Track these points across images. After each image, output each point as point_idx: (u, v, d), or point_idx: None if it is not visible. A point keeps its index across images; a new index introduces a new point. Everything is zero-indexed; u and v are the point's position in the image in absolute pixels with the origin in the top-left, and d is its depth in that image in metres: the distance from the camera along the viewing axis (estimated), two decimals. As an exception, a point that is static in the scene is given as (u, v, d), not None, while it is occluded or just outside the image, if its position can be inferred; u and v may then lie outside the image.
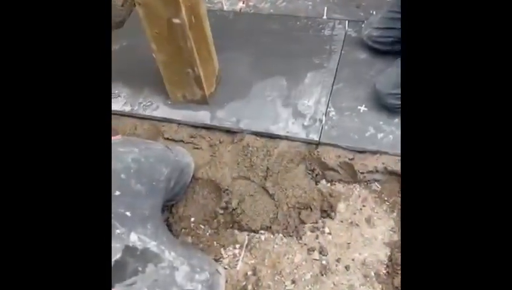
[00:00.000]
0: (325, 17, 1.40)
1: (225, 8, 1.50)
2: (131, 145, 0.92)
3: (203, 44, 1.11)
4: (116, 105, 1.26)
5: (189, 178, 1.05)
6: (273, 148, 1.13)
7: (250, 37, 1.39)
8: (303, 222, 1.02)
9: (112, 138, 0.94)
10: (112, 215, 0.76)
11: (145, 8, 0.99)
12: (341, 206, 1.04)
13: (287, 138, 1.14)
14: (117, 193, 0.81)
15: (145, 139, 1.19)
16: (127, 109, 1.25)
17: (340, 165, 1.08)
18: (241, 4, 1.50)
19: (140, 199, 0.84)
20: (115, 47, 1.42)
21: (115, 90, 1.30)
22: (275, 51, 1.34)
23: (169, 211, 1.07)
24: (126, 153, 0.89)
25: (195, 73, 1.13)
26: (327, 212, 1.03)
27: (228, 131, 1.18)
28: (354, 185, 1.07)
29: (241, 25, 1.43)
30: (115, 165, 0.85)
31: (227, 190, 1.06)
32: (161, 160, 0.94)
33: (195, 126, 1.20)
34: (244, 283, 0.95)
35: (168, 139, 1.18)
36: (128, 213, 0.78)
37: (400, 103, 1.07)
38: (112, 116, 1.26)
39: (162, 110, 1.23)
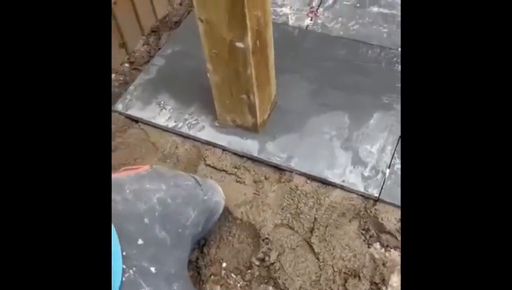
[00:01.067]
0: (400, 49, 1.26)
1: (290, 22, 1.38)
2: (159, 181, 0.84)
3: (263, 69, 1.00)
4: (160, 118, 1.17)
5: (217, 217, 0.96)
6: (325, 197, 1.01)
7: (313, 60, 1.27)
8: (348, 292, 0.90)
9: (140, 168, 0.85)
10: (135, 269, 0.68)
11: (207, 25, 0.89)
12: (394, 280, 0.91)
13: (342, 188, 1.02)
14: (140, 241, 0.73)
15: (185, 161, 1.11)
16: (171, 124, 1.16)
17: (400, 230, 0.95)
18: (308, 21, 1.38)
19: (164, 251, 0.75)
20: (167, 51, 1.34)
21: (161, 100, 1.21)
22: (339, 80, 1.21)
23: (200, 250, 0.97)
24: (152, 191, 0.80)
25: (250, 100, 1.02)
26: (378, 285, 0.90)
27: (276, 167, 1.07)
28: (412, 256, 0.94)
29: (306, 44, 1.31)
30: (139, 206, 0.76)
31: (267, 238, 0.96)
32: (189, 201, 0.85)
33: (241, 155, 1.10)
34: None
35: (209, 166, 1.09)
36: (152, 269, 0.69)
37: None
38: (154, 129, 1.17)
39: (207, 132, 1.14)
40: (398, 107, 1.14)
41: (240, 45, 0.89)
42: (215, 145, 1.12)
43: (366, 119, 1.12)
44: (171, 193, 0.83)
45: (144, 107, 1.20)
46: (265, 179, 1.06)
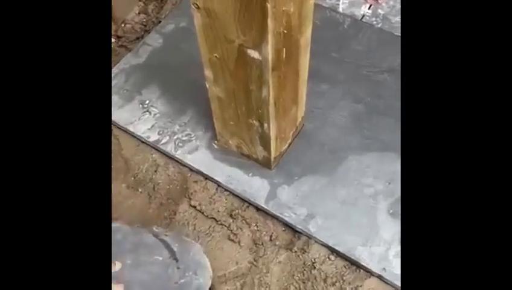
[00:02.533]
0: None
1: (340, 8, 1.03)
2: (114, 253, 0.55)
3: (288, 88, 0.68)
4: (141, 125, 0.87)
5: None
6: (353, 287, 0.70)
7: (364, 69, 0.93)
8: None
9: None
10: None
11: (206, 17, 0.56)
12: None
13: (380, 277, 0.71)
14: None
15: (163, 194, 0.81)
16: (153, 137, 0.86)
17: None
18: (365, 9, 1.02)
19: None
20: (168, 26, 1.02)
21: (146, 99, 0.91)
22: (398, 104, 0.87)
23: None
24: None
25: (262, 129, 0.70)
26: None
27: (288, 226, 0.77)
28: None
29: (357, 42, 0.96)
30: None
31: None
32: (155, 288, 0.57)
33: (241, 199, 0.80)
34: None
35: (195, 208, 0.79)
36: None
37: None
38: (130, 139, 0.88)
39: (201, 156, 0.83)
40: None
41: (253, 54, 0.56)
42: (208, 178, 0.82)
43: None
44: (128, 274, 0.55)
45: (122, 105, 0.90)
46: (270, 240, 0.76)
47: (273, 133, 0.71)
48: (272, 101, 0.63)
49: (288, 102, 0.71)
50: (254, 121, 0.70)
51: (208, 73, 0.66)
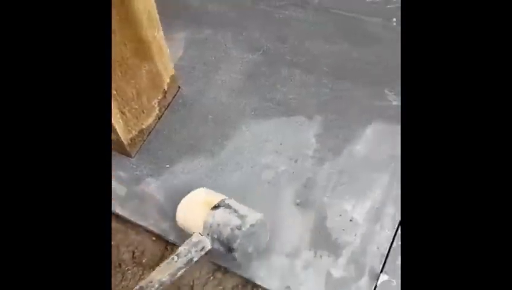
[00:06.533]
0: None
1: None
2: None
3: (120, 28, 0.45)
4: None
5: None
6: (247, 318, 0.51)
7: (261, 2, 0.71)
8: None
9: None
10: None
11: None
12: None
13: (283, 300, 0.51)
14: None
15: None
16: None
17: None
18: None
19: None
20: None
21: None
22: (309, 49, 0.66)
23: None
24: None
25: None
26: None
27: (158, 236, 0.55)
28: None
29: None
30: None
31: None
32: None
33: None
34: None
35: None
36: None
37: None
38: None
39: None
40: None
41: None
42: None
43: (358, 135, 0.59)
44: None
45: None
46: (133, 258, 0.55)
47: (111, 102, 0.49)
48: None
49: (128, 54, 0.48)
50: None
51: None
